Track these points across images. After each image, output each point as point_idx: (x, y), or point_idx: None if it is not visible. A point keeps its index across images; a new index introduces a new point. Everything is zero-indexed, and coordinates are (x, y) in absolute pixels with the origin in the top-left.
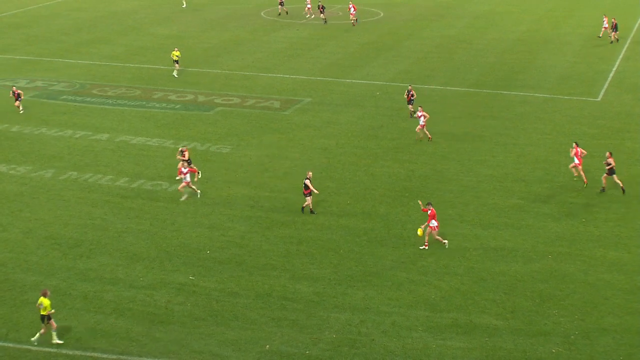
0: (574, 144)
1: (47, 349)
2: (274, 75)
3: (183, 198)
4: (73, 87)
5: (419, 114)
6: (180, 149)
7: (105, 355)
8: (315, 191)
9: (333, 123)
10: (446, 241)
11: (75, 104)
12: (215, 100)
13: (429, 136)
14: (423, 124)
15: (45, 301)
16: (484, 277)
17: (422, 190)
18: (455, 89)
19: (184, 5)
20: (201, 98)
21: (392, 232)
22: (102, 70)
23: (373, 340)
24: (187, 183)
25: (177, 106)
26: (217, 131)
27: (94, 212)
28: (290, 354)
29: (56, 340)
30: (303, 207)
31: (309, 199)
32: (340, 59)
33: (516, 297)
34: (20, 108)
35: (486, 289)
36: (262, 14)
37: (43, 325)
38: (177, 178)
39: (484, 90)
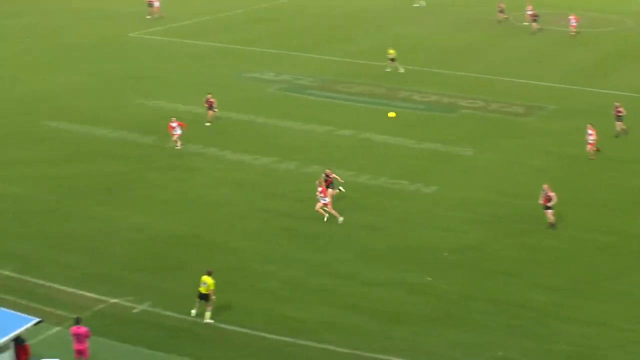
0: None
1: (282, 338)
2: (518, 80)
3: (325, 219)
4: (318, 81)
5: (589, 132)
6: (325, 171)
7: (338, 349)
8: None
9: (576, 132)
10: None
11: (319, 98)
12: (459, 103)
13: (593, 152)
14: (592, 142)
15: (208, 280)
16: None
17: None
18: None
19: (423, 5)
20: (445, 99)
21: (633, 247)
22: (347, 67)
23: (608, 355)
24: (325, 204)
25: (421, 106)
26: (460, 133)
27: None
28: None
29: (208, 320)
30: (551, 224)
31: (548, 212)
32: (585, 67)
33: None
34: (210, 118)
35: None
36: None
37: (198, 301)
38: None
39: None
